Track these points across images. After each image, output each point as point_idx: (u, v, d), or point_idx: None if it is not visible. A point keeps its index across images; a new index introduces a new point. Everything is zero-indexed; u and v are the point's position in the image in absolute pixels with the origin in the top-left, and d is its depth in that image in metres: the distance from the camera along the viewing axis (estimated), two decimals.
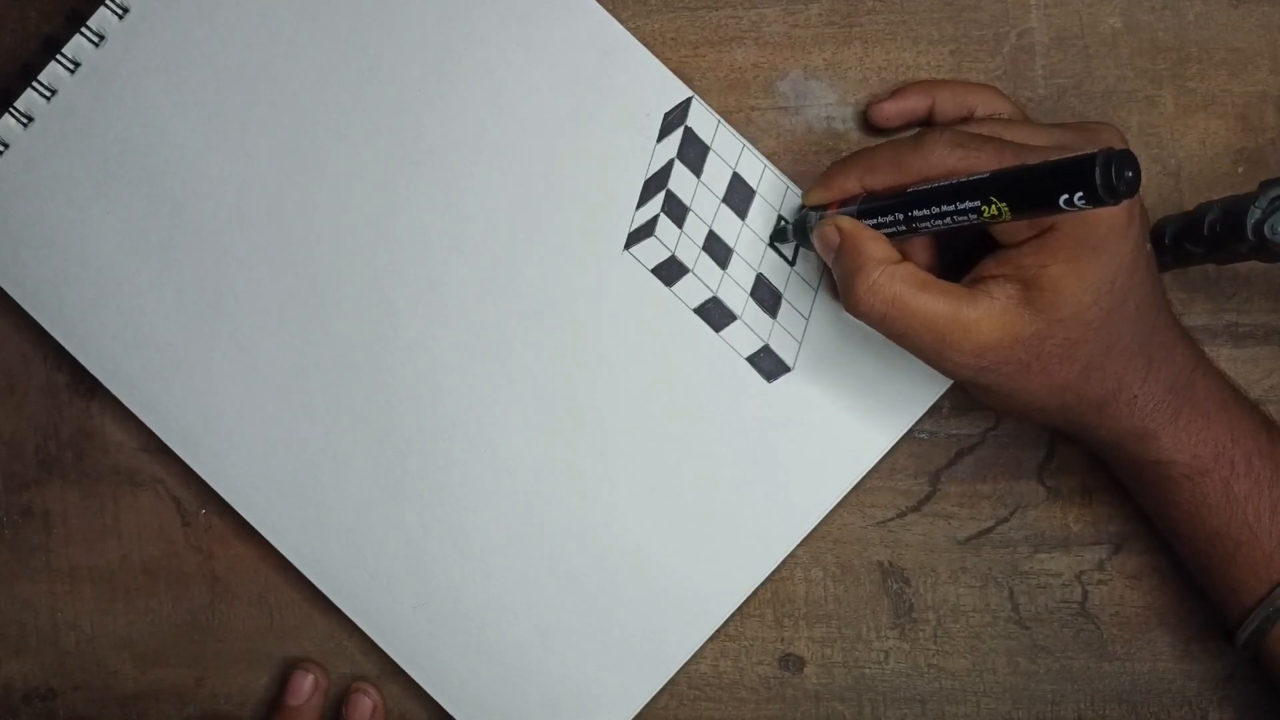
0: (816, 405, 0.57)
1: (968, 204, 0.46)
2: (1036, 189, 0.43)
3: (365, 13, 0.57)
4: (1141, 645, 0.58)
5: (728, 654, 0.59)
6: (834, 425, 0.57)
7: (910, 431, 0.57)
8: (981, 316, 0.47)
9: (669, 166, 0.57)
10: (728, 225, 0.57)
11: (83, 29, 0.58)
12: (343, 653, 0.60)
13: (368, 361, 0.58)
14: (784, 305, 0.57)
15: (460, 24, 0.57)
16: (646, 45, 0.57)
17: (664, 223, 0.57)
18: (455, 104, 0.57)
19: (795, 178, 0.57)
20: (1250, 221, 0.49)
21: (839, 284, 0.51)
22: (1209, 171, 0.57)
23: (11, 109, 0.58)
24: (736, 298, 0.57)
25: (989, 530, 0.58)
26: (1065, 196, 0.42)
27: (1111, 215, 0.46)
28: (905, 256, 0.50)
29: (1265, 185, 0.49)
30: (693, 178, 0.57)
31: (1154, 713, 0.58)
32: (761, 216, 0.57)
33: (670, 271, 0.57)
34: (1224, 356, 0.57)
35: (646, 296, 0.57)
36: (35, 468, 0.61)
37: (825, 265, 0.54)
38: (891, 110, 0.55)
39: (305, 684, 0.59)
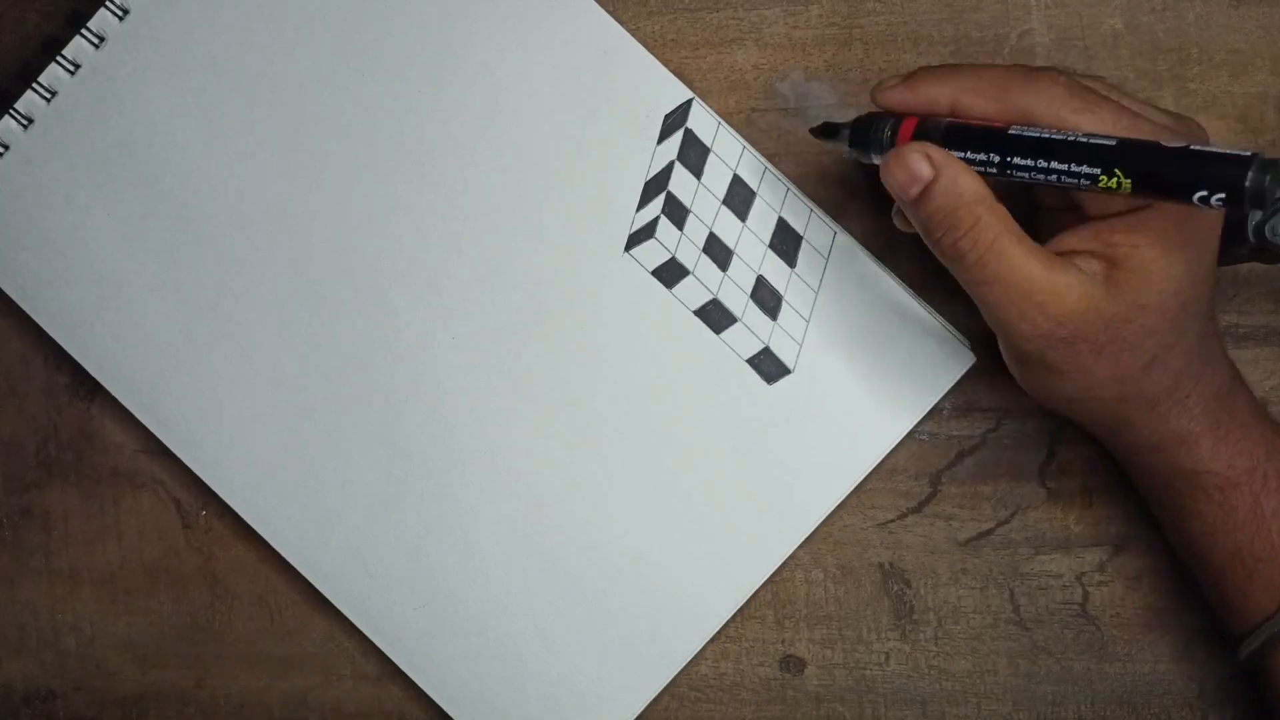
0: (817, 407, 0.57)
1: (1086, 169, 0.43)
2: (1174, 175, 0.41)
3: (365, 14, 0.57)
4: (1142, 647, 0.58)
5: (728, 655, 0.59)
6: (834, 427, 0.57)
7: (911, 433, 0.57)
8: (1071, 285, 0.45)
9: (669, 168, 0.57)
10: (728, 227, 0.57)
11: (83, 30, 0.58)
12: (343, 654, 0.60)
13: (368, 363, 0.58)
14: (784, 307, 0.57)
15: (460, 26, 0.57)
16: (647, 46, 0.57)
17: (664, 225, 0.57)
18: (455, 105, 0.57)
19: (796, 179, 0.57)
20: (1251, 223, 0.49)
21: (926, 220, 0.47)
22: None
23: (11, 110, 0.58)
24: (737, 300, 0.57)
25: (990, 532, 0.58)
26: (1203, 194, 0.39)
27: (1205, 216, 0.45)
28: None
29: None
30: (693, 180, 0.57)
31: (1155, 714, 0.58)
32: (762, 219, 0.57)
33: (670, 273, 0.57)
34: None
35: (647, 298, 0.57)
36: (35, 469, 0.61)
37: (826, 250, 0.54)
38: (896, 99, 0.49)
39: None
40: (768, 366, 0.57)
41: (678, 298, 0.57)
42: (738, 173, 0.57)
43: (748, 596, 0.57)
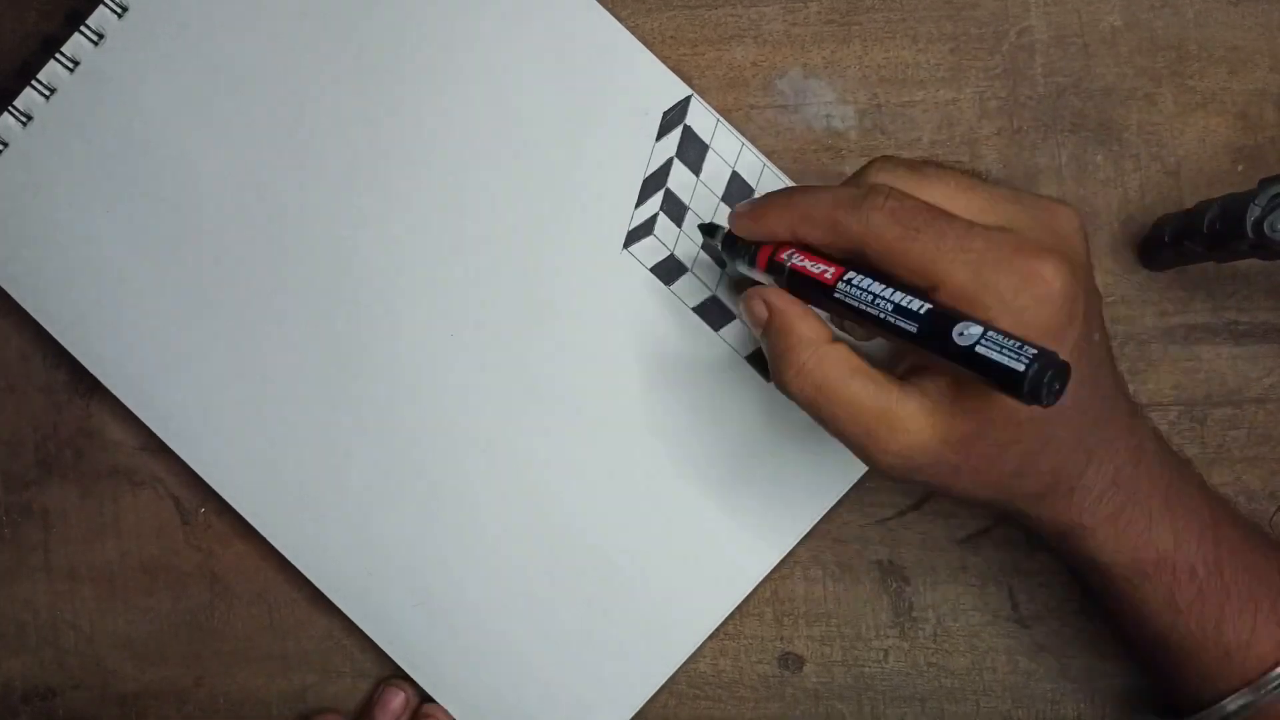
0: None
1: (898, 339, 0.43)
2: (960, 366, 0.41)
3: (364, 12, 0.57)
4: None
5: (727, 653, 0.59)
6: None
7: None
8: (910, 415, 0.44)
9: (668, 165, 0.57)
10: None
11: (81, 28, 0.58)
12: (342, 652, 0.60)
13: (366, 360, 0.58)
14: None
15: (459, 24, 0.57)
16: (645, 43, 0.57)
17: (663, 221, 0.57)
18: (454, 103, 0.57)
19: (794, 176, 0.57)
20: (1250, 219, 0.49)
21: (769, 361, 0.48)
22: (1209, 169, 0.57)
23: (10, 108, 0.58)
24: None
25: (988, 529, 0.58)
26: (992, 385, 0.40)
27: (1046, 319, 0.43)
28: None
29: (1265, 183, 0.49)
30: (692, 176, 0.57)
31: (1155, 715, 0.58)
32: None
33: (669, 270, 0.57)
34: (1224, 355, 0.57)
35: (645, 295, 0.57)
36: (35, 467, 0.61)
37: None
38: (746, 229, 0.49)
39: (396, 702, 0.59)
40: (766, 364, 0.57)
41: (676, 294, 0.57)
42: (736, 169, 0.56)
43: (745, 595, 0.57)
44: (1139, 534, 0.48)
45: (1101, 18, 0.57)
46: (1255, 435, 0.57)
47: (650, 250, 0.57)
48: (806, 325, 0.47)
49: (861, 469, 0.57)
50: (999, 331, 0.40)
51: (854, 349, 0.46)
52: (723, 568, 0.57)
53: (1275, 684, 0.48)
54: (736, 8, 0.58)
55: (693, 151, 0.57)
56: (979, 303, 0.42)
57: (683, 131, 0.57)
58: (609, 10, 0.57)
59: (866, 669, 0.59)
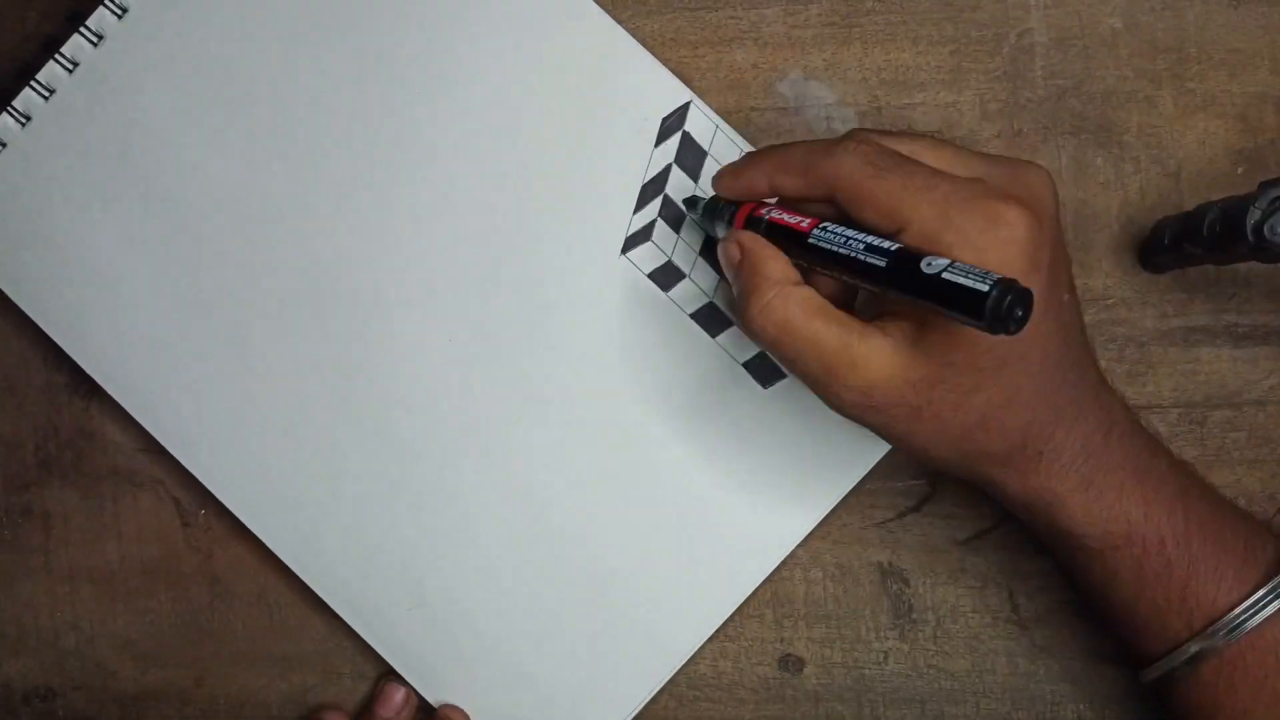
0: (813, 410, 0.56)
1: (867, 284, 0.44)
2: (929, 297, 0.42)
3: (364, 15, 0.57)
4: None
5: (727, 654, 0.59)
6: (830, 430, 0.57)
7: None
8: (871, 352, 0.45)
9: (666, 171, 0.57)
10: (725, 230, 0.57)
11: (81, 28, 0.58)
12: (342, 653, 0.60)
13: (364, 364, 0.58)
14: None
15: (459, 27, 0.57)
16: (646, 46, 0.57)
17: (661, 227, 0.57)
18: (453, 106, 0.57)
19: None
20: (1250, 222, 0.49)
21: (736, 301, 0.48)
22: (1209, 172, 0.57)
23: (9, 108, 0.58)
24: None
25: (989, 531, 0.58)
26: (954, 314, 0.41)
27: (1010, 262, 0.43)
28: (812, 278, 0.48)
29: (1265, 186, 0.49)
30: (690, 183, 0.57)
31: (1154, 712, 0.58)
32: None
33: (667, 276, 0.57)
34: (1224, 357, 0.57)
35: (643, 301, 0.57)
36: (35, 468, 0.61)
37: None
38: (726, 187, 0.51)
39: (398, 696, 0.59)
40: (763, 370, 0.57)
41: (674, 300, 0.57)
42: None
43: (742, 599, 0.57)
44: (1109, 505, 0.48)
45: (1102, 20, 0.57)
46: (1255, 437, 0.57)
47: (648, 256, 0.57)
48: (775, 265, 0.47)
49: (861, 471, 0.57)
50: (966, 264, 0.41)
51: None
52: (722, 570, 0.57)
53: (1224, 629, 0.48)
54: (737, 10, 0.58)
55: (691, 158, 0.57)
56: (943, 241, 0.43)
57: (681, 138, 0.57)
58: (609, 13, 0.57)
59: (867, 671, 0.59)
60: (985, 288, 0.40)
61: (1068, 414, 0.47)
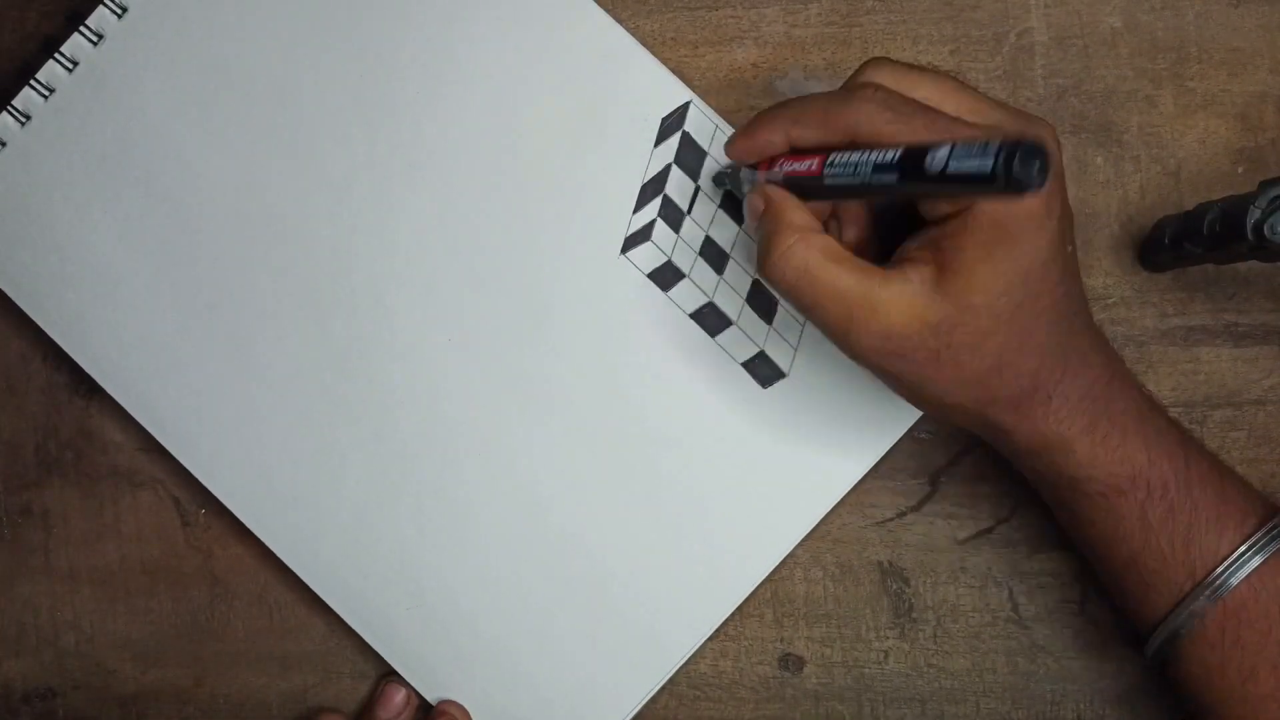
0: (812, 410, 0.57)
1: (883, 193, 0.44)
2: (947, 188, 0.42)
3: (364, 15, 0.57)
4: (1142, 645, 0.58)
5: (727, 654, 0.59)
6: (829, 430, 0.57)
7: (910, 431, 0.57)
8: (892, 298, 0.46)
9: (666, 171, 0.57)
10: (724, 230, 0.57)
11: (81, 28, 0.58)
12: (341, 653, 0.60)
13: (363, 363, 0.58)
14: (779, 311, 0.56)
15: (458, 26, 0.57)
16: (646, 45, 0.57)
17: (660, 227, 0.57)
18: (453, 106, 0.57)
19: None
20: (1250, 221, 0.49)
21: (758, 251, 0.49)
22: (1209, 171, 0.57)
23: (9, 107, 0.58)
24: (732, 303, 0.57)
25: (989, 530, 0.58)
26: (969, 188, 0.41)
27: (1029, 205, 0.44)
28: (837, 232, 0.49)
29: (1265, 185, 0.49)
30: (690, 182, 0.57)
31: (1154, 714, 0.58)
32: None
33: (666, 276, 0.57)
34: (1224, 356, 0.57)
35: (642, 301, 0.57)
36: (35, 468, 0.61)
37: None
38: (742, 149, 0.51)
39: (398, 697, 0.59)
40: (763, 370, 0.57)
41: (674, 300, 0.57)
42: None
43: (741, 600, 0.57)
44: (1114, 448, 0.49)
45: (1102, 19, 0.57)
46: (1255, 436, 0.57)
47: (647, 256, 0.57)
48: (797, 214, 0.48)
49: (861, 470, 0.57)
50: (967, 143, 0.41)
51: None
52: (722, 569, 0.57)
53: (1226, 573, 0.49)
54: (737, 9, 0.58)
55: (691, 158, 0.57)
56: None
57: (681, 138, 0.57)
58: (609, 12, 0.57)
59: (867, 670, 0.59)
60: (990, 161, 0.39)
61: (1074, 359, 0.48)
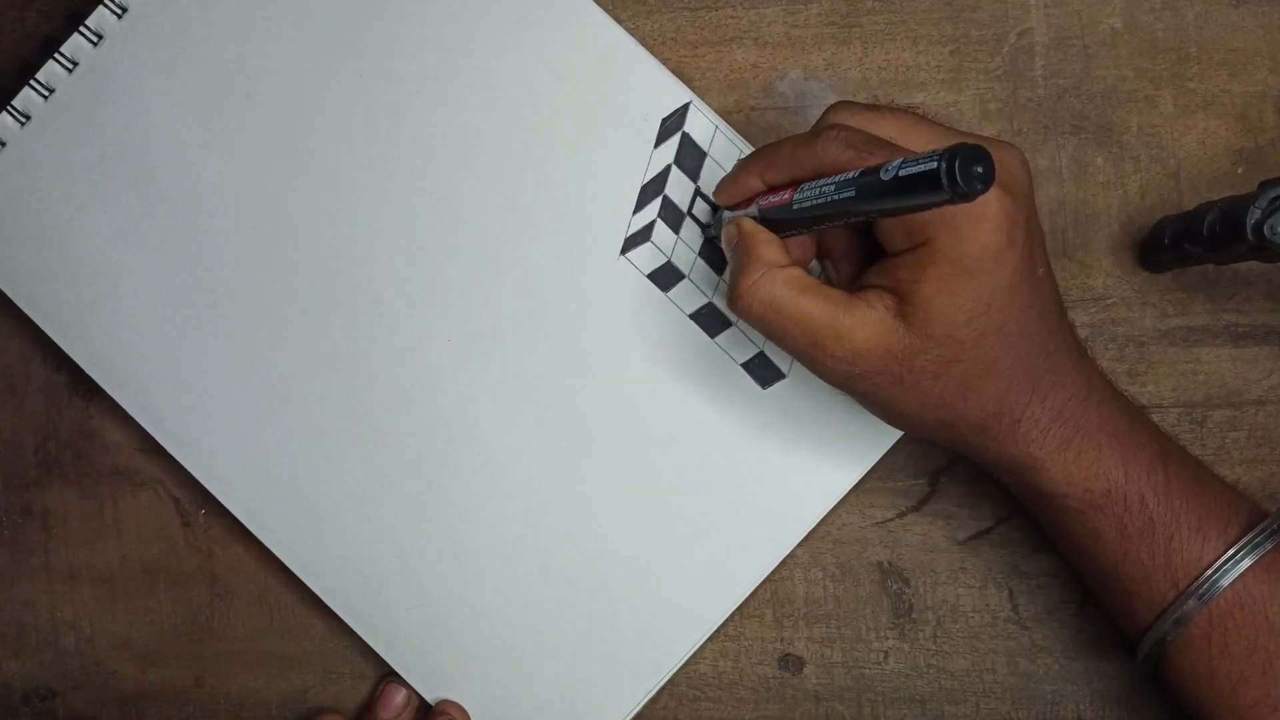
0: (812, 411, 0.57)
1: (850, 213, 0.45)
2: (901, 197, 0.42)
3: (363, 15, 0.57)
4: None
5: (727, 654, 0.59)
6: (829, 431, 0.57)
7: None
8: (856, 324, 0.47)
9: (666, 172, 0.57)
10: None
11: (81, 28, 0.58)
12: (341, 653, 0.60)
13: (362, 363, 0.58)
14: None
15: (458, 26, 0.57)
16: (646, 45, 0.57)
17: (660, 228, 0.57)
18: (452, 106, 0.57)
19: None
20: (1250, 222, 0.49)
21: (729, 280, 0.50)
22: (1208, 172, 0.57)
23: (9, 107, 0.58)
24: None
25: (989, 530, 0.58)
26: (922, 201, 0.41)
27: (986, 237, 0.45)
28: (832, 270, 0.51)
29: (1265, 185, 0.49)
30: (690, 183, 0.57)
31: (1154, 714, 0.58)
32: None
33: (666, 277, 0.57)
34: (1224, 357, 0.57)
35: (642, 301, 0.57)
36: (35, 468, 0.61)
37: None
38: (727, 197, 0.52)
39: (398, 698, 0.59)
40: (762, 370, 0.57)
41: (673, 301, 0.57)
42: None
43: (740, 601, 0.57)
44: (1089, 465, 0.49)
45: (1102, 20, 0.57)
46: (1255, 437, 0.57)
47: (647, 256, 0.57)
48: (767, 248, 0.49)
49: (861, 470, 0.57)
50: (916, 156, 0.41)
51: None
52: (722, 569, 0.57)
53: (1209, 580, 0.49)
54: (737, 9, 0.58)
55: (691, 159, 0.57)
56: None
57: (681, 139, 0.56)
58: (609, 13, 0.57)
59: (867, 670, 0.59)
60: (934, 165, 0.40)
61: (1045, 382, 0.48)
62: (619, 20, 0.57)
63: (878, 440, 0.57)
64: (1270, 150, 0.57)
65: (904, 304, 0.46)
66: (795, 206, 0.48)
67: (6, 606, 0.61)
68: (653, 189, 0.57)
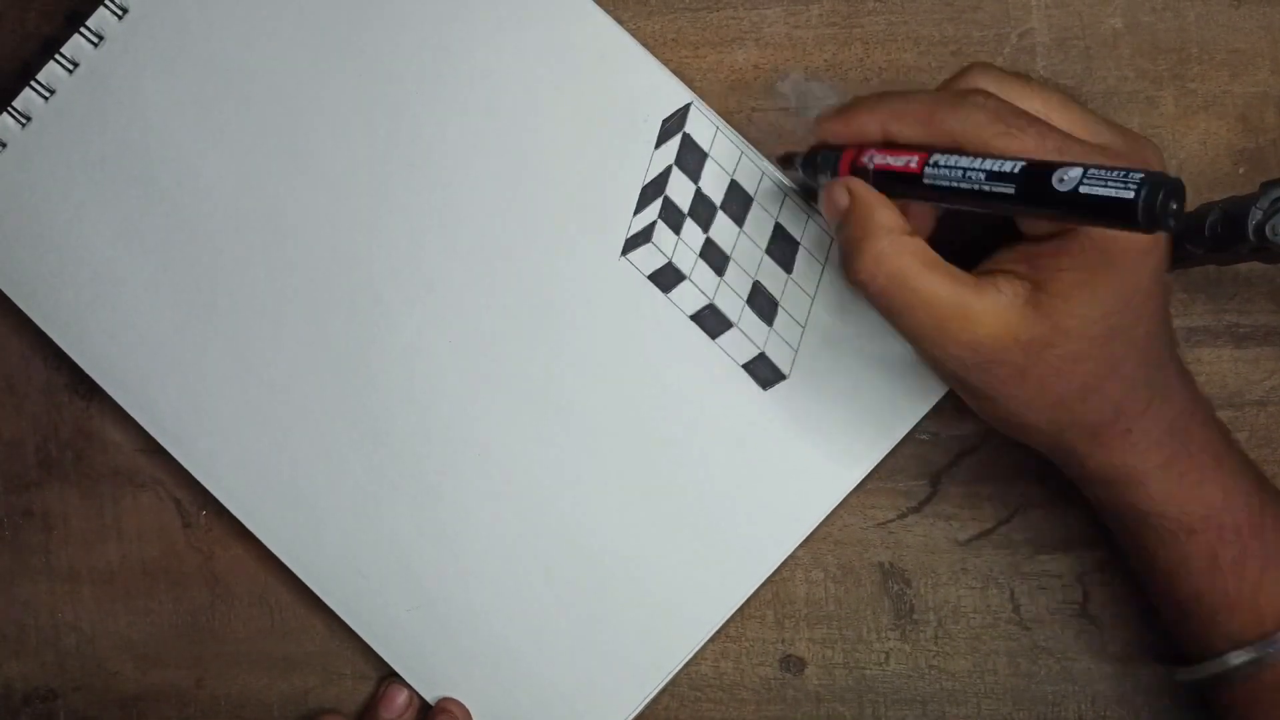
0: (812, 412, 0.57)
1: (988, 204, 0.43)
2: (1072, 212, 0.40)
3: (363, 15, 0.57)
4: (1143, 647, 0.58)
5: (728, 655, 0.59)
6: (829, 432, 0.57)
7: (911, 432, 0.57)
8: (985, 309, 0.44)
9: (667, 173, 0.57)
10: (725, 232, 0.56)
11: (81, 29, 0.58)
12: (342, 654, 0.60)
13: (362, 364, 0.58)
14: (780, 313, 0.56)
15: (458, 26, 0.57)
16: (646, 46, 0.57)
17: (661, 229, 0.57)
18: (452, 106, 0.57)
19: (797, 183, 0.57)
20: (1251, 222, 0.49)
21: (842, 250, 0.47)
22: (1210, 172, 0.57)
23: (9, 108, 0.58)
24: (733, 305, 0.57)
25: (990, 531, 0.58)
26: (1104, 224, 0.39)
27: (1135, 238, 0.43)
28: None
29: (1266, 186, 0.49)
30: (690, 184, 0.56)
31: (1155, 714, 0.58)
32: (759, 224, 0.56)
33: (667, 278, 0.57)
34: (1225, 358, 0.57)
35: (643, 303, 0.57)
36: (35, 468, 0.61)
37: (830, 240, 0.53)
38: (834, 131, 0.49)
39: (400, 698, 0.59)
40: (763, 372, 0.57)
41: (674, 302, 0.57)
42: (735, 178, 0.56)
43: (741, 603, 0.57)
44: (1190, 487, 0.47)
45: (1103, 20, 0.57)
46: (1256, 438, 0.57)
47: (648, 258, 0.57)
48: (887, 214, 0.46)
49: (862, 473, 0.57)
50: (1101, 167, 0.39)
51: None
52: (723, 570, 0.57)
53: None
54: (738, 10, 0.58)
55: (691, 160, 0.56)
56: None
57: (682, 139, 0.56)
58: (609, 14, 0.57)
59: (868, 671, 0.59)
60: (1131, 193, 0.38)
61: (1160, 392, 0.47)
62: (620, 21, 0.57)
63: (879, 441, 0.57)
64: (1272, 151, 0.57)
65: (1039, 292, 0.44)
66: (926, 181, 0.44)
67: (7, 607, 0.61)
68: (653, 190, 0.57)
